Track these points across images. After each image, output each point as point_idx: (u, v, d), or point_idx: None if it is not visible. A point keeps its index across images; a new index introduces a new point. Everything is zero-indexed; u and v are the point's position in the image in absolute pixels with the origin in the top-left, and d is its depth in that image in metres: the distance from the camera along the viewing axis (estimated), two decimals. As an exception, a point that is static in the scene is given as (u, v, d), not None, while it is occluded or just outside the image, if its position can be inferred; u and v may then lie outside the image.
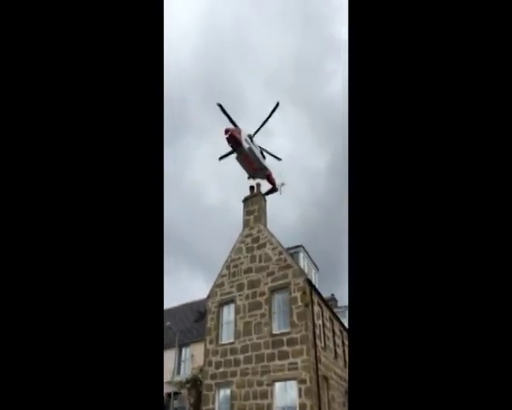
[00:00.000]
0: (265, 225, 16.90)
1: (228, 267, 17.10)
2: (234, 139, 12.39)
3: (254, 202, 17.30)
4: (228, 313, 16.54)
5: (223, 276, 17.19)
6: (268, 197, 17.89)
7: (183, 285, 63.07)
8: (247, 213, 17.35)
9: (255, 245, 16.49)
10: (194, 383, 16.98)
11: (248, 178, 13.88)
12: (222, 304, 16.75)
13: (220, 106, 12.02)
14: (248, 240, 16.82)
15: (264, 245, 16.16)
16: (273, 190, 14.93)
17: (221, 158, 13.56)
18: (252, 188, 17.60)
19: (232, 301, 16.36)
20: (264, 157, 13.79)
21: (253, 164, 13.35)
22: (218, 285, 17.21)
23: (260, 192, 17.44)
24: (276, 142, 69.60)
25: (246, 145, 12.70)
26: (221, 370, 15.51)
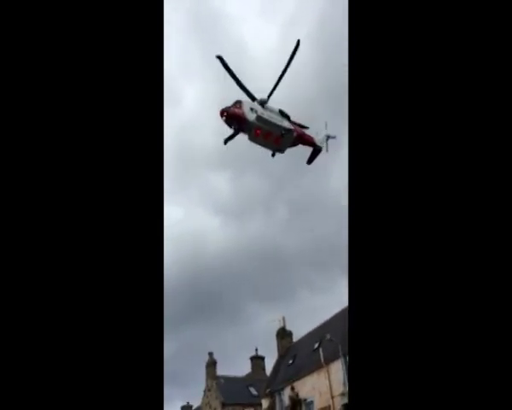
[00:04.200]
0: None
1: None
2: (234, 117, 9.38)
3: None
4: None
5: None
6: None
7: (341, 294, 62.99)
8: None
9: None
10: (368, 389, 15.71)
11: (273, 155, 10.28)
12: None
13: (220, 58, 9.00)
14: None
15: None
16: (315, 151, 10.69)
17: (226, 142, 9.93)
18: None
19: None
20: (287, 117, 10.07)
21: (272, 134, 9.73)
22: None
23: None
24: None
25: (252, 117, 9.40)
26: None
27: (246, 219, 73.03)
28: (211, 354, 30.49)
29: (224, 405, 27.01)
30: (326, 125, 10.95)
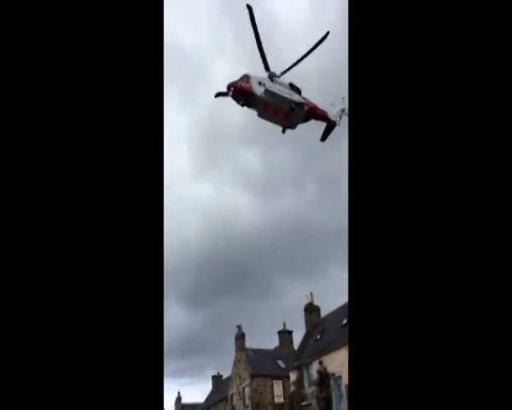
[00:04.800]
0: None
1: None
2: (242, 92, 8.73)
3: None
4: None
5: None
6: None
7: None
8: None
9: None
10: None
11: (283, 131, 9.45)
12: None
13: (249, 8, 8.30)
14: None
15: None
16: (329, 126, 9.77)
17: (217, 95, 9.36)
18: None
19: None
20: (298, 91, 9.30)
21: (281, 109, 8.97)
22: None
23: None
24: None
25: (260, 91, 8.76)
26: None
27: (276, 194, 73.01)
28: (239, 326, 31.09)
29: (252, 376, 27.66)
30: (343, 99, 9.86)
